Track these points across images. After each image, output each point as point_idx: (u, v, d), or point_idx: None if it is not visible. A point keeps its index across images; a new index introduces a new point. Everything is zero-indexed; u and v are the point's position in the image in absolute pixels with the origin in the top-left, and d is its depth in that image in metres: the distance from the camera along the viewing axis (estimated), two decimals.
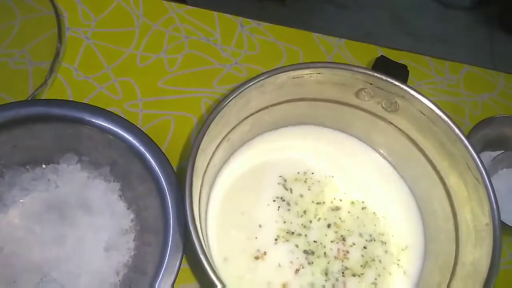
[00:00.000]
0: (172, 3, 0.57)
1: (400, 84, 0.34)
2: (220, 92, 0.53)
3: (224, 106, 0.31)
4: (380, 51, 0.59)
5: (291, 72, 0.33)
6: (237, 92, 0.31)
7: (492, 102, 0.58)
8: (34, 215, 0.42)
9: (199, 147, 0.30)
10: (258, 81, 0.32)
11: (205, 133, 0.30)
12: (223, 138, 0.35)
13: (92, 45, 0.53)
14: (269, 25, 0.58)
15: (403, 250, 0.39)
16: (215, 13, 0.57)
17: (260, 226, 0.38)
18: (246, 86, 0.31)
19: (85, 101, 0.50)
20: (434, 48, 1.50)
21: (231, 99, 0.31)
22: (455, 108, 0.57)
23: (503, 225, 0.45)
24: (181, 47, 0.55)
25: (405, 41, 1.49)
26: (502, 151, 0.52)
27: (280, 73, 0.32)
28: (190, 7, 0.57)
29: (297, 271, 0.38)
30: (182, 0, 0.93)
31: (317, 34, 0.58)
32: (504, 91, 0.59)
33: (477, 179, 0.33)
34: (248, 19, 0.58)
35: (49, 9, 0.51)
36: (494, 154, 0.53)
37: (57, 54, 0.49)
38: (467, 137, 0.33)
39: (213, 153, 0.34)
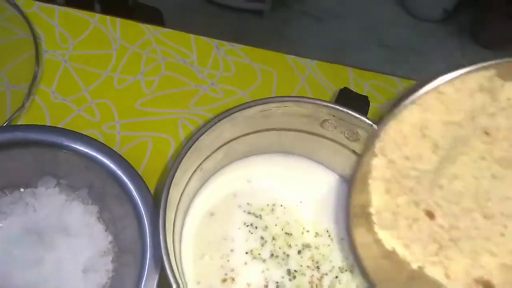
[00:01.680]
0: (149, 26, 0.59)
1: (360, 116, 0.36)
2: (196, 113, 0.54)
3: (197, 140, 0.33)
4: (350, 71, 0.62)
5: (260, 106, 0.35)
6: (210, 126, 0.33)
7: None
8: (13, 239, 0.42)
9: (171, 182, 0.31)
10: (230, 114, 0.33)
11: (177, 167, 0.31)
12: (196, 168, 0.37)
13: (69, 67, 0.54)
14: (244, 47, 0.60)
15: None
16: (191, 36, 0.59)
17: (232, 250, 0.40)
18: (219, 119, 0.33)
19: (63, 123, 0.51)
20: (407, 60, 1.54)
21: (204, 133, 0.33)
22: None
23: None
24: (158, 69, 0.56)
25: (378, 52, 1.53)
26: None
27: (250, 107, 0.34)
28: (166, 29, 0.59)
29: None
30: (160, 23, 0.95)
31: (290, 56, 0.60)
32: None
33: None
34: (223, 41, 0.60)
35: (26, 32, 0.52)
36: None
37: (34, 77, 0.50)
38: None
39: (186, 183, 0.36)
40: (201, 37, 0.59)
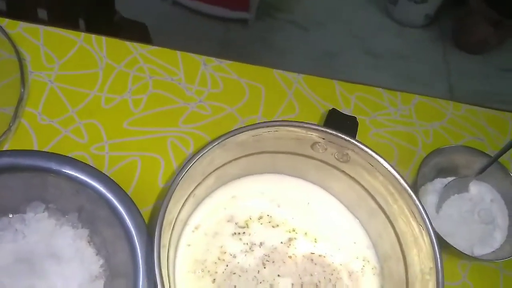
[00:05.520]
0: (136, 44, 0.58)
1: (349, 139, 0.37)
2: (186, 131, 0.54)
3: (188, 169, 0.33)
4: (336, 84, 0.62)
5: (251, 131, 0.35)
6: (201, 154, 0.33)
7: (441, 130, 0.62)
8: (2, 268, 0.42)
9: (164, 215, 0.31)
10: (221, 141, 0.33)
11: (170, 198, 0.31)
12: (189, 195, 0.37)
13: (56, 88, 0.54)
14: (231, 62, 0.60)
15: None
16: (178, 53, 0.59)
17: (227, 265, 0.40)
18: (210, 147, 0.33)
19: (50, 145, 0.50)
20: (391, 65, 1.56)
21: (195, 161, 0.33)
22: (408, 137, 0.60)
23: (454, 250, 0.48)
24: (145, 87, 0.56)
25: (363, 59, 1.55)
26: (453, 178, 0.56)
27: (240, 133, 0.34)
28: (153, 47, 0.59)
29: None
30: (146, 36, 0.95)
31: (277, 70, 0.61)
32: (452, 119, 0.63)
33: (421, 226, 0.36)
34: (211, 57, 0.60)
35: (11, 53, 0.51)
36: (446, 181, 0.56)
37: (20, 99, 0.50)
38: (411, 187, 0.36)
39: (179, 211, 0.36)
40: (188, 53, 0.59)
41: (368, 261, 0.43)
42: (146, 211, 0.49)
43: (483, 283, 0.53)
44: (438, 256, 0.34)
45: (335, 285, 0.41)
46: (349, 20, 1.63)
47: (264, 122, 0.35)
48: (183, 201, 0.36)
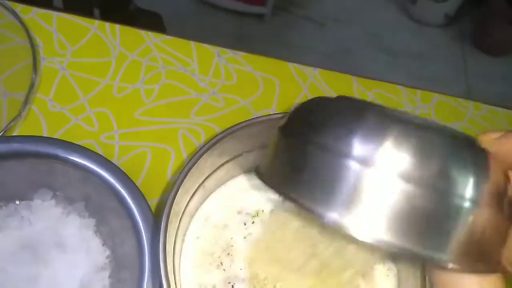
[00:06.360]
0: (149, 33, 0.57)
1: None
2: (197, 123, 0.53)
3: (198, 160, 0.31)
4: (354, 80, 0.60)
5: (265, 121, 0.33)
6: (211, 145, 0.32)
7: (462, 130, 0.60)
8: (7, 254, 0.41)
9: (171, 206, 0.30)
10: (232, 132, 0.32)
11: (178, 188, 0.30)
12: (198, 186, 0.36)
13: (67, 75, 0.53)
14: (246, 54, 0.59)
15: None
16: (192, 43, 0.58)
17: (232, 261, 0.39)
18: (220, 137, 0.32)
19: (60, 133, 0.50)
20: (408, 64, 1.53)
21: (204, 153, 0.32)
22: None
23: None
24: (158, 77, 0.55)
25: (380, 57, 1.52)
26: None
27: (253, 123, 0.33)
28: (167, 36, 0.58)
29: None
30: (161, 27, 0.94)
31: (293, 63, 0.59)
32: (472, 119, 0.61)
33: None
34: (225, 49, 0.59)
35: (24, 39, 0.51)
36: None
37: (32, 85, 0.49)
38: None
39: (188, 202, 0.35)
40: (203, 44, 0.58)
41: (383, 262, 0.41)
42: (153, 203, 0.48)
43: None
44: None
45: None
46: (367, 18, 1.60)
47: (279, 113, 0.34)
48: (192, 192, 0.35)
